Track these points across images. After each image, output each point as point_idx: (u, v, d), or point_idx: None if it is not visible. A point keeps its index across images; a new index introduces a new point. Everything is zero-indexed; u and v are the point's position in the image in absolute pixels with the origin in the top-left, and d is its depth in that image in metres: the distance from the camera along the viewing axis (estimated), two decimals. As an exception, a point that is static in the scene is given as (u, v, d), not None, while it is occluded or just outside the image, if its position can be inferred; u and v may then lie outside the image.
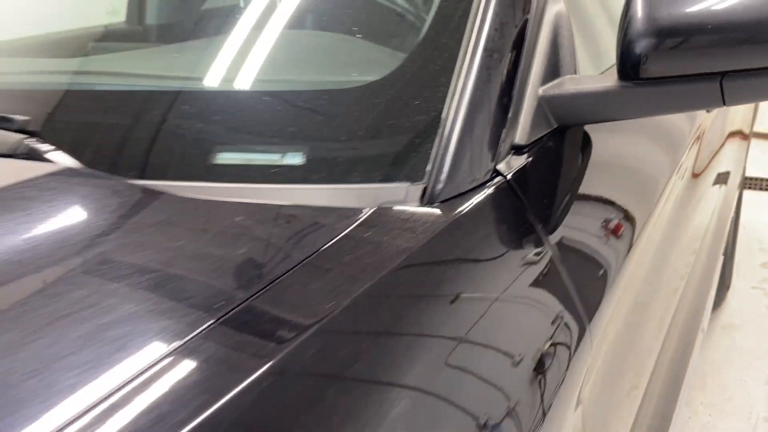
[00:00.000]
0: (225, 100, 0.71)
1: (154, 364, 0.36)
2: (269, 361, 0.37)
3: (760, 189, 3.85)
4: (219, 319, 0.40)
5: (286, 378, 0.38)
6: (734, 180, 1.91)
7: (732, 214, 2.12)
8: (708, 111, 1.20)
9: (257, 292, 0.43)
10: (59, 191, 0.57)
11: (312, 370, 0.39)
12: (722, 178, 1.65)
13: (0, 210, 0.54)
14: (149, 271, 0.46)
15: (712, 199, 1.51)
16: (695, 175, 1.18)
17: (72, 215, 0.55)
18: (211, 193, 0.55)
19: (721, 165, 1.59)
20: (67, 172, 0.61)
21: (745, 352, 2.32)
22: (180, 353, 0.37)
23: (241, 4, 1.38)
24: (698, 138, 1.14)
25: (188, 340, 0.38)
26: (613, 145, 0.84)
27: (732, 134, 1.70)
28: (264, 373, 0.37)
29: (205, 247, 0.49)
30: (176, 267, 0.47)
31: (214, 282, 0.45)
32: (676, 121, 1.02)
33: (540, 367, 0.53)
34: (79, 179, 0.59)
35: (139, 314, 0.40)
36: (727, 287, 2.65)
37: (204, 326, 0.39)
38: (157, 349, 0.38)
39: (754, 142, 3.10)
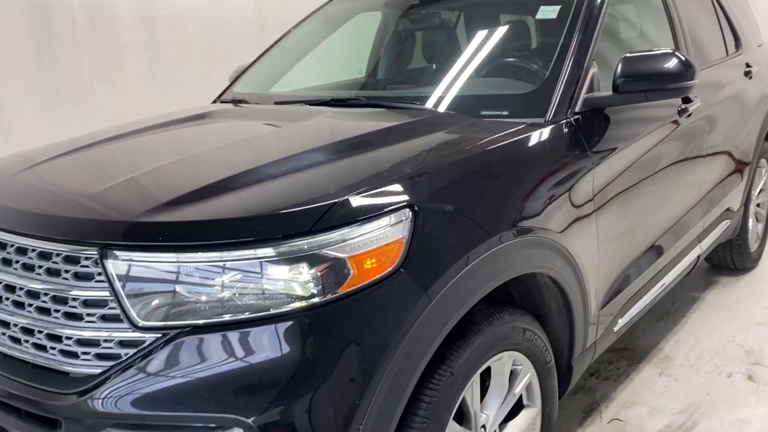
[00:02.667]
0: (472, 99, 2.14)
1: None
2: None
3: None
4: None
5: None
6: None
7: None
8: (680, 116, 2.49)
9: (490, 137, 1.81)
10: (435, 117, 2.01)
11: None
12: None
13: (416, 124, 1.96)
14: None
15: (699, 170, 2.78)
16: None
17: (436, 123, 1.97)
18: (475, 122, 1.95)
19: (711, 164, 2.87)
20: (432, 112, 2.05)
21: (757, 294, 3.46)
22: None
23: (438, 67, 2.79)
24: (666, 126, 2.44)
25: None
26: (615, 117, 2.18)
27: (720, 152, 2.94)
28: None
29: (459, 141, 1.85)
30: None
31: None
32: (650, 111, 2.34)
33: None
34: (437, 115, 2.02)
35: None
36: (757, 259, 3.80)
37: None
38: None
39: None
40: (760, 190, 3.84)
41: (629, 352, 2.94)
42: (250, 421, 1.22)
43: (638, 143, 2.21)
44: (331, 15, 3.15)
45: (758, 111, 3.41)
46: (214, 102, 2.86)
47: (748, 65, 3.38)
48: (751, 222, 3.68)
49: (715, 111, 2.86)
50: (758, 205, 3.87)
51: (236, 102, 2.67)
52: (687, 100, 2.55)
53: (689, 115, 2.56)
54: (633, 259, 2.25)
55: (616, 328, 2.25)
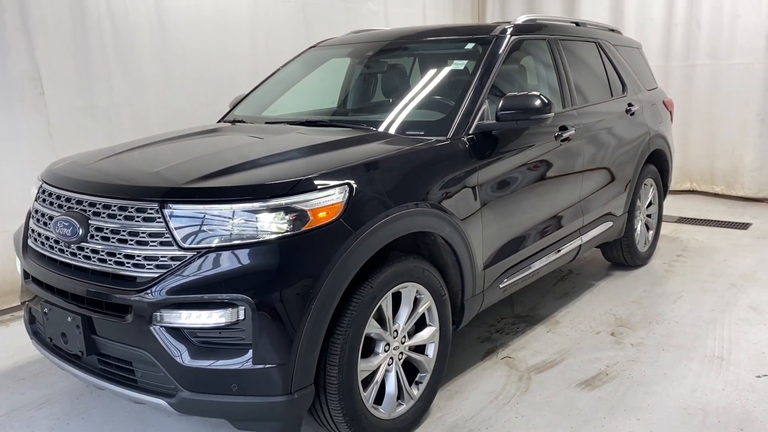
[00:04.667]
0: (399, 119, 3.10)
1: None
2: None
3: (689, 223, 5.99)
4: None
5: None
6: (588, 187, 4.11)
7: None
8: (558, 141, 3.46)
9: (396, 152, 2.76)
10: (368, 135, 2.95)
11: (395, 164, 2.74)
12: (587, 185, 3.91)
13: (351, 141, 2.90)
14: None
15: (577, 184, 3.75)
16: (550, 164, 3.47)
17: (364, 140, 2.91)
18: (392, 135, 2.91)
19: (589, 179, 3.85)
20: (374, 132, 3.01)
21: (639, 283, 4.43)
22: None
23: (384, 100, 3.77)
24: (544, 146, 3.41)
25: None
26: (499, 138, 3.14)
27: (597, 168, 3.93)
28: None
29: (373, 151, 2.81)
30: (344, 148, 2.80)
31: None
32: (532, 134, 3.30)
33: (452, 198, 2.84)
34: (377, 133, 2.98)
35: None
36: (647, 258, 4.78)
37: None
38: None
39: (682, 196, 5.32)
40: (650, 203, 4.84)
41: (529, 318, 3.89)
42: (249, 298, 2.13)
43: (516, 156, 3.17)
44: (309, 59, 4.13)
45: (637, 140, 4.41)
46: (219, 121, 3.81)
47: (630, 104, 4.40)
48: (639, 227, 4.66)
49: (592, 137, 3.85)
50: (649, 216, 4.87)
51: (237, 121, 3.62)
52: (563, 128, 3.54)
53: (565, 139, 3.55)
54: (512, 237, 3.19)
55: (501, 286, 3.19)
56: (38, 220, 2.68)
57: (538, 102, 2.96)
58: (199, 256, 2.20)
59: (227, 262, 2.19)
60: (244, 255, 2.19)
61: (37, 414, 2.93)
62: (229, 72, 5.27)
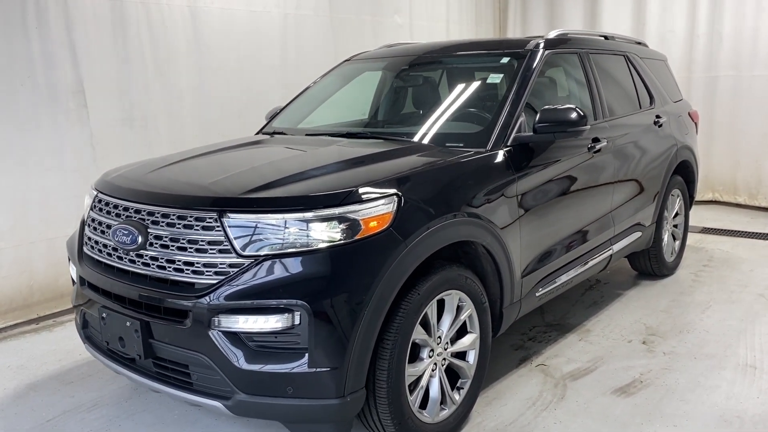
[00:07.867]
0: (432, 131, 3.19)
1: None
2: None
3: (714, 234, 6.00)
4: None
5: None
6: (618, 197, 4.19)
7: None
8: (591, 152, 3.54)
9: (437, 163, 2.85)
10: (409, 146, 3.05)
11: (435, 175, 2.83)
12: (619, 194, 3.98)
13: (406, 152, 3.01)
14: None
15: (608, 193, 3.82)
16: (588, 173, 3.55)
17: (408, 151, 3.00)
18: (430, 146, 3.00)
19: (619, 190, 3.92)
20: (414, 143, 3.10)
21: (667, 293, 4.48)
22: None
23: (420, 113, 3.86)
24: (580, 161, 3.50)
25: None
26: (535, 149, 3.22)
27: (628, 179, 4.00)
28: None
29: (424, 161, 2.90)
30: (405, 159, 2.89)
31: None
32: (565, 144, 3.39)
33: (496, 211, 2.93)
34: (417, 144, 3.07)
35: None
36: (673, 268, 4.83)
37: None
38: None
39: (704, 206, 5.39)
40: (676, 214, 4.89)
41: (560, 326, 3.95)
42: (306, 303, 2.21)
43: (551, 168, 3.25)
44: (343, 72, 4.23)
45: (665, 152, 4.47)
46: (257, 133, 3.91)
47: (657, 116, 4.46)
48: (666, 237, 4.71)
49: (622, 149, 3.92)
50: (675, 226, 4.92)
51: (277, 133, 3.73)
52: (596, 140, 3.62)
53: (597, 151, 3.62)
54: (548, 246, 3.27)
55: (537, 294, 3.26)
56: (95, 229, 2.78)
57: (574, 115, 3.04)
58: (257, 264, 2.29)
59: (284, 270, 2.28)
60: (299, 262, 2.28)
61: (88, 416, 3.03)
62: (259, 84, 5.40)
